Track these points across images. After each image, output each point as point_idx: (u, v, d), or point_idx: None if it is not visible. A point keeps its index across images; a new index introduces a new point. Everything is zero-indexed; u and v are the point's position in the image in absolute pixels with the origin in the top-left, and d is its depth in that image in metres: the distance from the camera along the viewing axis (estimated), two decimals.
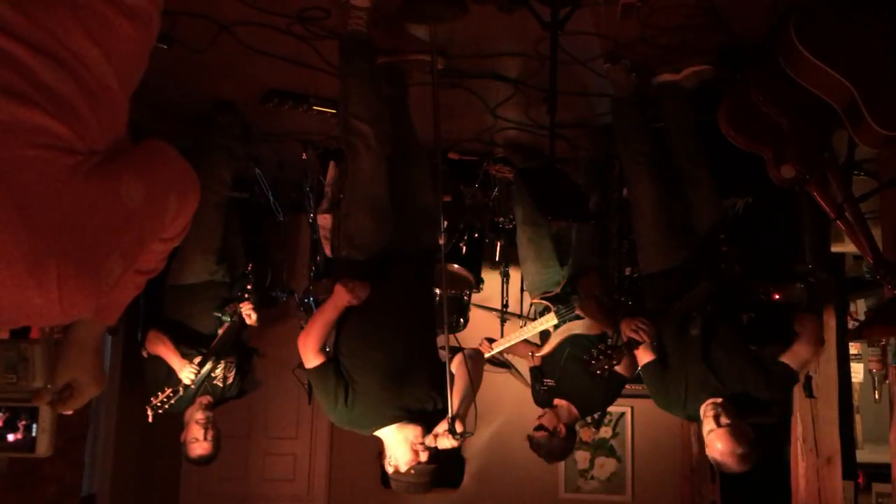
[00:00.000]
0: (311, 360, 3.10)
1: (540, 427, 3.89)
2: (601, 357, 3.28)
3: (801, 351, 3.31)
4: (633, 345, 3.28)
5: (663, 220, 3.46)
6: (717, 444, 3.13)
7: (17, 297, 1.04)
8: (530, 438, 3.92)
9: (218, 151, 4.07)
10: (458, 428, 2.88)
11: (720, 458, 3.16)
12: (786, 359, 3.30)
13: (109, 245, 1.13)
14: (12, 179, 1.03)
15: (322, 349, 3.12)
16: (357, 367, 3.06)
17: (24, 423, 1.40)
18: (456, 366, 3.13)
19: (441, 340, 3.20)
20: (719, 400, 3.22)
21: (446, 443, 2.90)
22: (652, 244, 3.50)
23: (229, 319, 4.02)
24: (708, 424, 3.19)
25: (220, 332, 4.01)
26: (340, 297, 3.04)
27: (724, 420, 3.14)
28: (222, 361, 4.04)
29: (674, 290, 3.33)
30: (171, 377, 3.90)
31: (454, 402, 2.91)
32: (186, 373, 3.84)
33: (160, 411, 3.86)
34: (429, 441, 2.94)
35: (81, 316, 1.14)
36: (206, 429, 3.89)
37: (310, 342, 3.09)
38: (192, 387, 3.87)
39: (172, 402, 3.85)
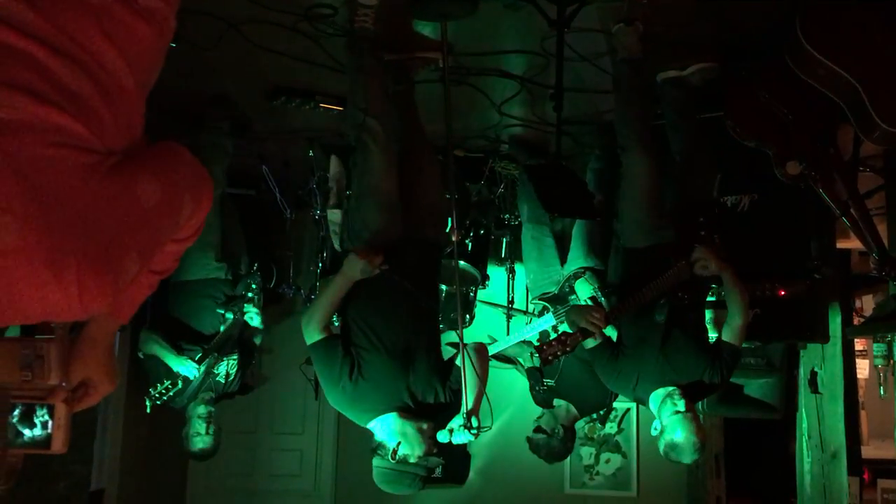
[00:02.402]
0: (317, 334, 3.04)
1: (538, 429, 3.90)
2: (553, 343, 3.20)
3: (738, 325, 3.26)
4: (586, 334, 3.22)
5: (651, 198, 3.37)
6: (680, 428, 3.12)
7: (36, 293, 1.07)
8: (529, 440, 3.93)
9: (209, 149, 4.07)
10: (475, 422, 2.87)
11: (679, 442, 3.14)
12: (727, 338, 3.27)
13: (126, 244, 1.15)
14: (33, 178, 1.05)
15: (327, 326, 3.07)
16: (367, 345, 3.01)
17: (39, 419, 1.42)
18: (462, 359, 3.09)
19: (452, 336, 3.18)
20: (674, 389, 3.20)
21: (462, 438, 2.87)
22: (635, 221, 3.41)
23: (232, 317, 4.03)
24: (672, 408, 3.16)
25: (223, 329, 4.02)
26: (353, 267, 3.00)
27: (682, 408, 3.13)
28: (225, 359, 4.05)
29: (647, 270, 3.26)
30: (171, 374, 3.92)
31: (467, 396, 2.89)
32: (189, 367, 3.87)
33: (158, 403, 3.91)
34: (443, 436, 2.91)
35: (99, 313, 1.16)
36: (207, 423, 3.94)
37: (316, 316, 3.04)
38: (192, 381, 3.89)
39: (171, 394, 3.89)
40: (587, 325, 3.21)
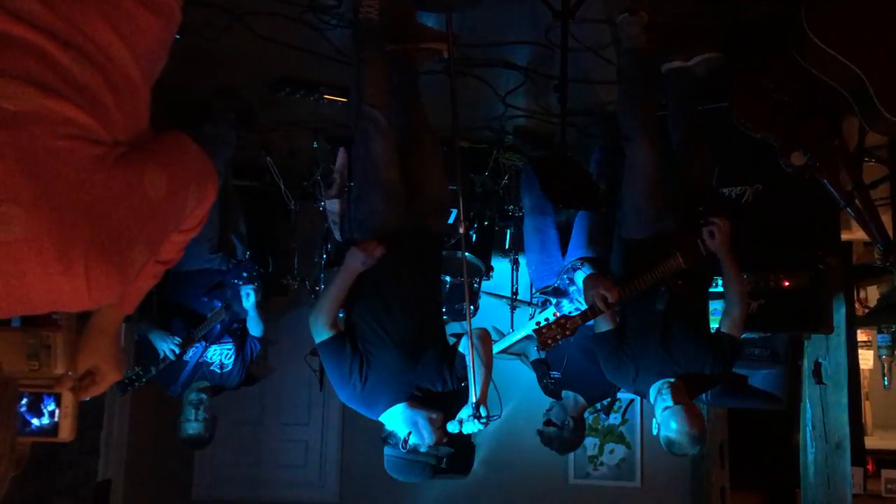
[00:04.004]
0: (325, 332, 3.04)
1: (549, 422, 3.91)
2: (552, 326, 3.17)
3: (736, 316, 3.25)
4: (587, 317, 3.17)
5: (653, 189, 3.34)
6: (672, 423, 3.09)
7: (46, 283, 1.08)
8: (541, 434, 3.93)
9: (212, 140, 4.04)
10: (483, 411, 2.87)
11: (674, 437, 3.10)
12: (728, 329, 3.25)
13: (134, 234, 1.16)
14: (41, 170, 1.06)
15: (335, 322, 3.07)
16: (374, 339, 3.03)
17: (46, 408, 1.44)
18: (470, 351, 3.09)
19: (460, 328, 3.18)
20: (673, 380, 3.18)
21: (472, 427, 2.86)
22: (636, 211, 3.39)
23: (219, 306, 4.06)
24: (662, 403, 3.14)
25: (209, 317, 4.06)
26: (354, 259, 3.01)
27: (678, 399, 3.10)
28: (216, 347, 4.10)
29: (648, 260, 3.25)
30: (142, 360, 4.05)
31: (475, 386, 2.89)
32: (168, 345, 3.93)
33: (128, 388, 4.06)
34: (453, 427, 2.90)
35: (107, 303, 1.17)
36: (196, 409, 3.99)
37: (323, 313, 3.04)
38: (167, 361, 3.96)
39: (144, 380, 4.01)
40: (594, 299, 3.18)
